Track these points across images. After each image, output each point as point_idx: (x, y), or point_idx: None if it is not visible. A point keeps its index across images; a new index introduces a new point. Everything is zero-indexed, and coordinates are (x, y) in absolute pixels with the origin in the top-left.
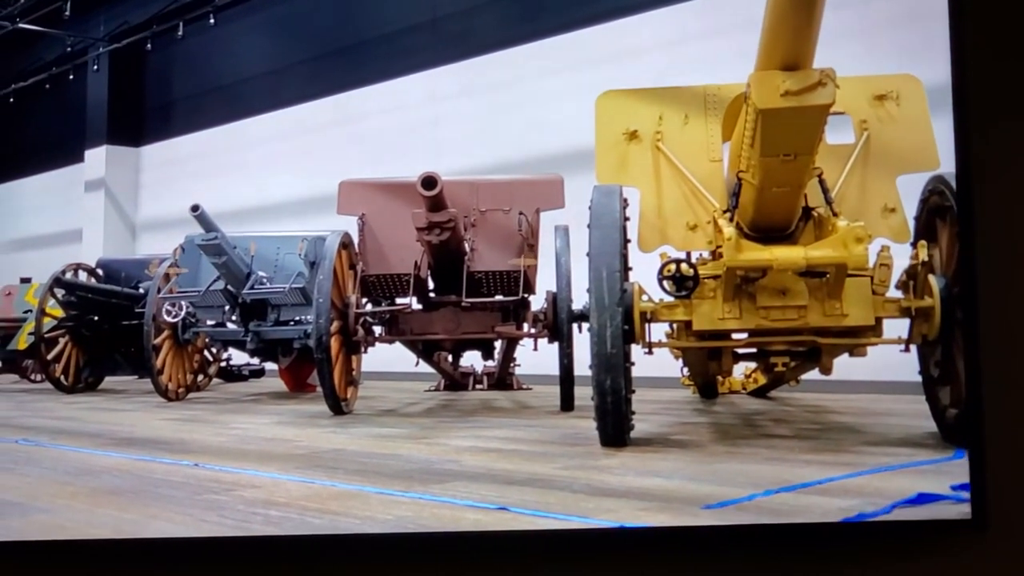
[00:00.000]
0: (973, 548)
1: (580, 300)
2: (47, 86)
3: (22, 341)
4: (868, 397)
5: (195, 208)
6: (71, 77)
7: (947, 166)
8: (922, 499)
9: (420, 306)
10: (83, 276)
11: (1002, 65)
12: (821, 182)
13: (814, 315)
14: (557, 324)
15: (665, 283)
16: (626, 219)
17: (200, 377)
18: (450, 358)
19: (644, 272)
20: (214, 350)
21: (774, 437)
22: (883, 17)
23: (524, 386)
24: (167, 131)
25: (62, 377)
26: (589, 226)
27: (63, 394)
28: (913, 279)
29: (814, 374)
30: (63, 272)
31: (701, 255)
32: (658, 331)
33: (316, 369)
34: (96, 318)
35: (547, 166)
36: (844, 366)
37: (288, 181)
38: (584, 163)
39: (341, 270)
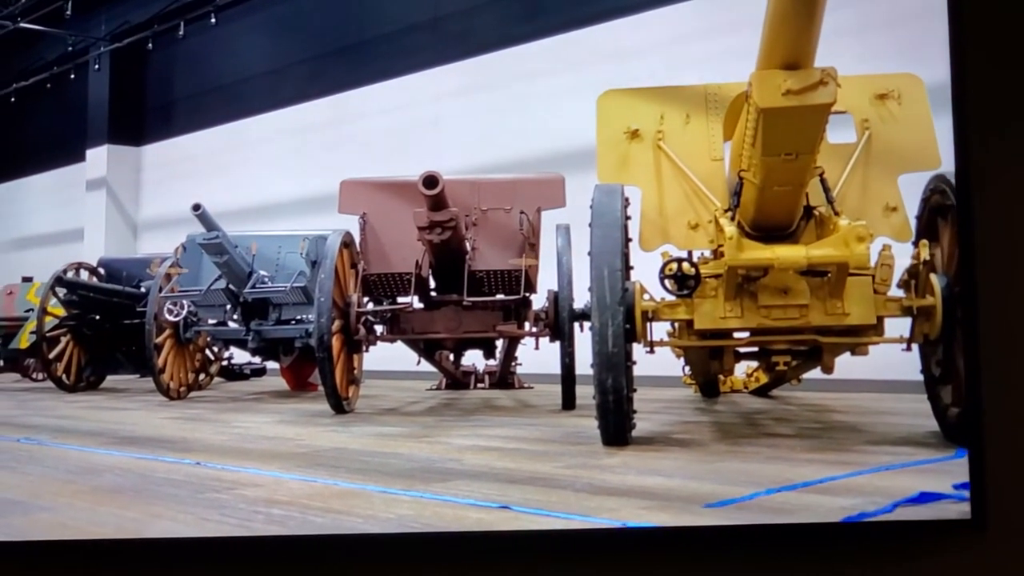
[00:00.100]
0: (973, 548)
1: (581, 299)
2: (48, 85)
3: (24, 340)
4: (870, 396)
5: (196, 207)
6: (72, 76)
7: (948, 165)
8: (924, 498)
9: (421, 305)
10: (85, 275)
11: (1001, 65)
12: (822, 181)
13: (816, 314)
14: (558, 323)
15: (666, 282)
16: (627, 218)
17: (202, 376)
18: (451, 357)
19: (645, 271)
20: (215, 349)
21: (776, 436)
22: (884, 16)
23: (525, 385)
24: (168, 130)
25: (64, 376)
26: (590, 225)
27: (65, 393)
28: (915, 278)
29: (816, 373)
30: (65, 271)
31: (702, 254)
32: (659, 330)
33: (317, 368)
34: (98, 317)
35: (548, 165)
36: (846, 365)
37: (289, 180)
38: (585, 162)
39: (342, 269)
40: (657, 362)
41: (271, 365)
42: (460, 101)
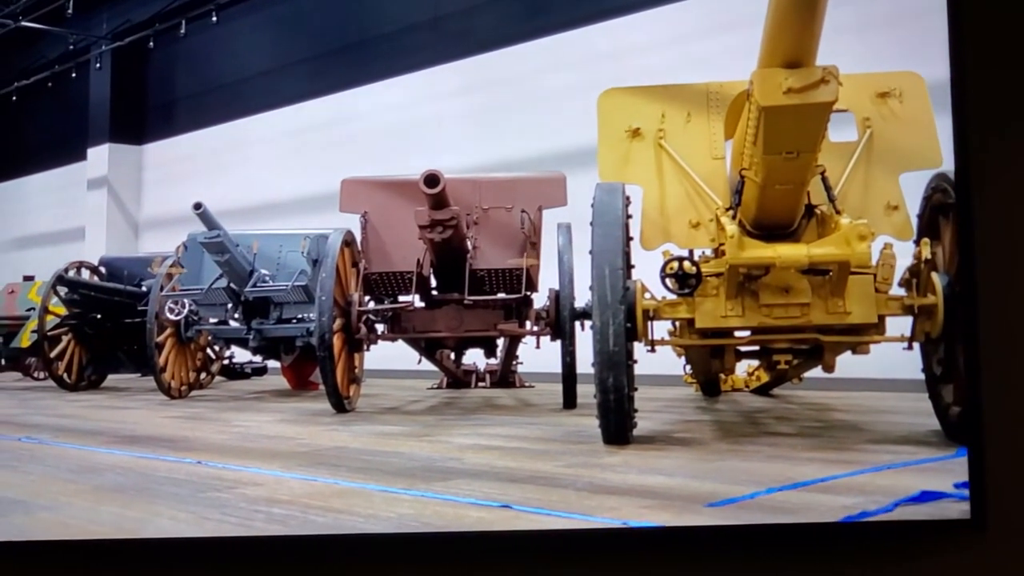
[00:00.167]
0: (972, 548)
1: (582, 298)
2: (49, 84)
3: (25, 339)
4: (871, 395)
5: (198, 206)
6: (73, 75)
7: (950, 163)
8: (925, 497)
9: (422, 304)
10: (86, 274)
11: (1001, 65)
12: (824, 180)
13: (817, 313)
14: (559, 322)
15: (668, 281)
16: (628, 217)
17: (203, 375)
18: (452, 356)
19: (647, 270)
20: (217, 348)
21: (777, 435)
22: (886, 14)
23: (526, 384)
24: (170, 129)
25: (65, 375)
26: (591, 224)
27: (66, 392)
28: (916, 277)
29: (817, 372)
30: (66, 270)
31: (704, 253)
32: (661, 329)
33: (319, 367)
34: (99, 316)
35: (549, 164)
36: (847, 364)
37: (290, 179)
38: (586, 161)
39: (344, 268)
40: (658, 361)
41: (272, 364)
42: (461, 100)
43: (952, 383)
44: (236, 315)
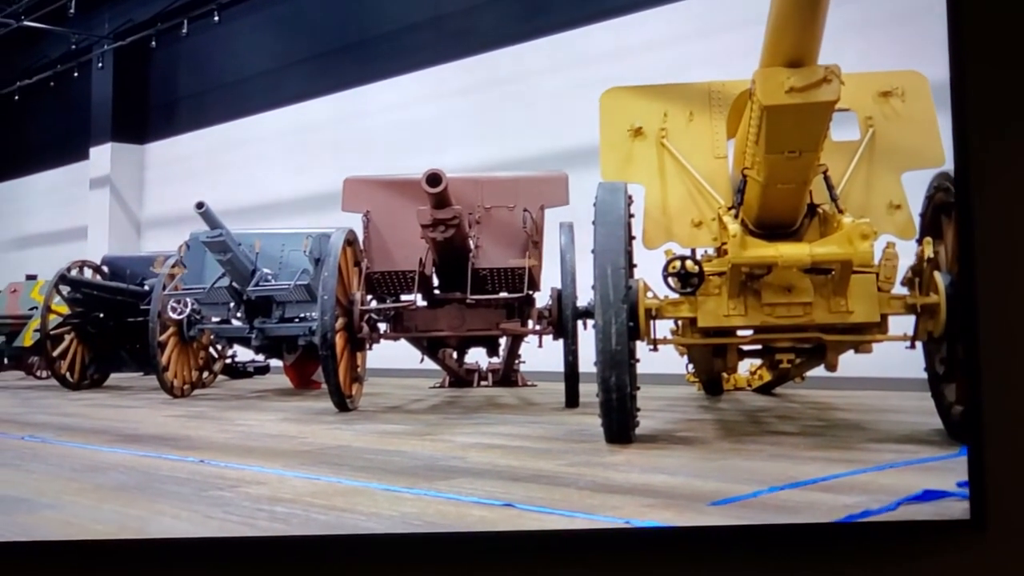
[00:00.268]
0: (972, 548)
1: (585, 297)
2: (52, 84)
3: (28, 338)
4: (873, 394)
5: (200, 205)
6: (76, 75)
7: (952, 162)
8: (928, 496)
9: (425, 303)
10: (88, 273)
11: (1001, 65)
12: (826, 179)
13: (819, 312)
14: (562, 321)
15: (670, 280)
16: (631, 216)
17: (205, 374)
18: (455, 355)
19: (649, 269)
20: (219, 347)
21: (779, 434)
22: (888, 13)
23: (529, 383)
24: (172, 128)
25: (67, 374)
26: (594, 223)
27: (68, 391)
28: (919, 276)
29: (819, 371)
30: (68, 269)
31: (706, 252)
32: (663, 328)
33: (321, 366)
34: (101, 315)
35: (551, 163)
36: (849, 363)
37: (292, 178)
38: (589, 160)
39: (346, 267)
40: (660, 360)
41: (274, 363)
42: (463, 99)
43: (955, 382)
44: (238, 314)
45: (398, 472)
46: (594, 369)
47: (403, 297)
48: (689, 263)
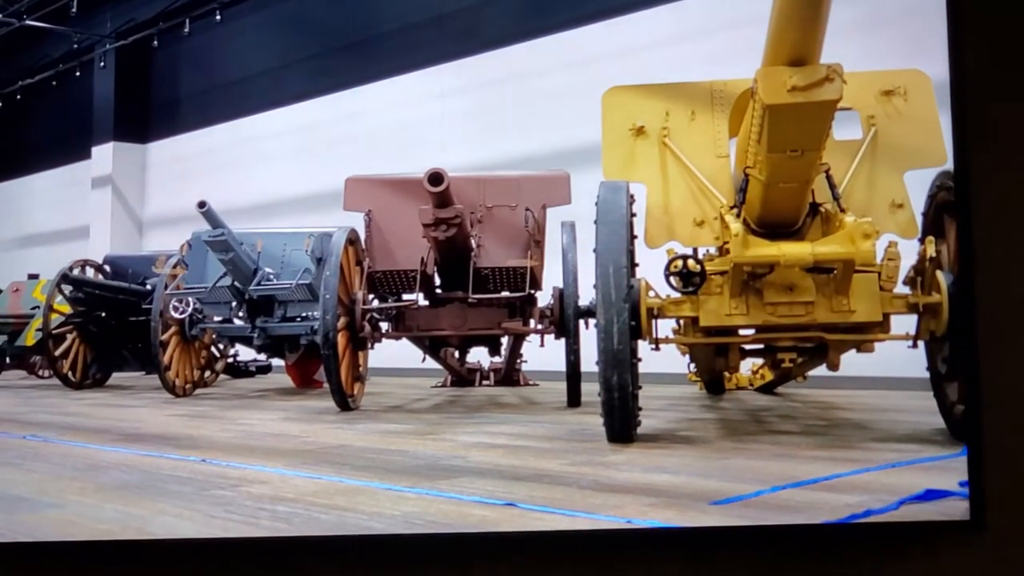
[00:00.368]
0: (972, 548)
1: (587, 296)
2: (54, 83)
3: (30, 337)
4: (875, 393)
5: (202, 204)
6: (78, 74)
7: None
8: (930, 495)
9: (427, 302)
10: (90, 272)
11: (1001, 65)
12: (828, 178)
13: (821, 311)
14: (564, 320)
15: (672, 279)
16: (633, 215)
17: (207, 373)
18: (457, 354)
19: (651, 268)
20: (221, 346)
21: (781, 433)
22: (890, 12)
23: (530, 382)
24: (173, 128)
25: (70, 373)
26: (596, 222)
27: (71, 390)
28: (921, 275)
29: (821, 370)
30: (70, 268)
31: (708, 251)
32: (665, 327)
33: (323, 365)
34: (103, 314)
35: (553, 162)
36: (851, 362)
37: (294, 177)
38: (590, 159)
39: (348, 266)
40: (662, 359)
41: (276, 362)
42: (465, 98)
43: (957, 381)
44: (240, 313)
45: (400, 471)
46: (596, 368)
47: (405, 296)
48: (691, 262)
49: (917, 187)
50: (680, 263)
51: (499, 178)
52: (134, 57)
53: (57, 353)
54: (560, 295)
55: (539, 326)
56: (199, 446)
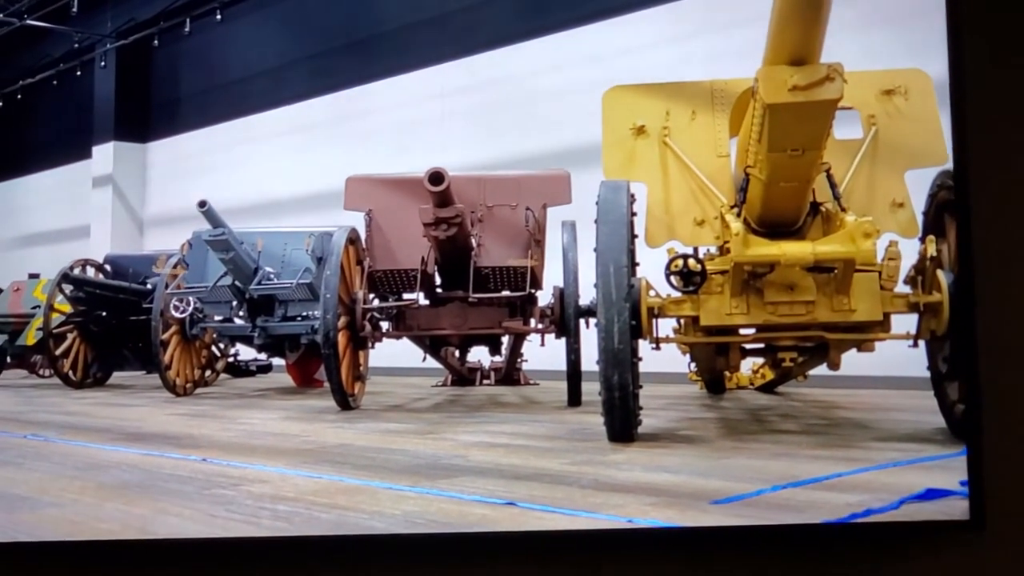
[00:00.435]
0: (971, 548)
1: (587, 295)
2: (54, 82)
3: (30, 337)
4: (876, 392)
5: (202, 204)
6: (78, 73)
7: None
8: (931, 495)
9: (427, 302)
10: (91, 272)
11: (1000, 64)
12: (829, 177)
13: (822, 310)
14: (564, 319)
15: (672, 278)
16: (633, 214)
17: (208, 372)
18: (457, 353)
19: (651, 268)
20: (221, 345)
21: (782, 432)
22: (892, 11)
23: (531, 381)
24: (174, 127)
25: (70, 372)
26: (596, 222)
27: (71, 389)
28: (921, 274)
29: (822, 369)
30: (71, 268)
31: (708, 250)
32: (665, 326)
33: (323, 365)
34: (104, 314)
35: (554, 162)
36: (852, 361)
37: (295, 177)
38: (591, 159)
39: (348, 266)
40: (663, 358)
41: (277, 362)
42: (465, 97)
43: (957, 380)
44: (241, 313)
45: (400, 471)
46: (596, 368)
47: (405, 296)
48: (691, 262)
49: (918, 186)
50: (681, 262)
51: (500, 177)
52: (135, 56)
53: (58, 352)
54: (561, 294)
55: (539, 325)
56: (200, 445)
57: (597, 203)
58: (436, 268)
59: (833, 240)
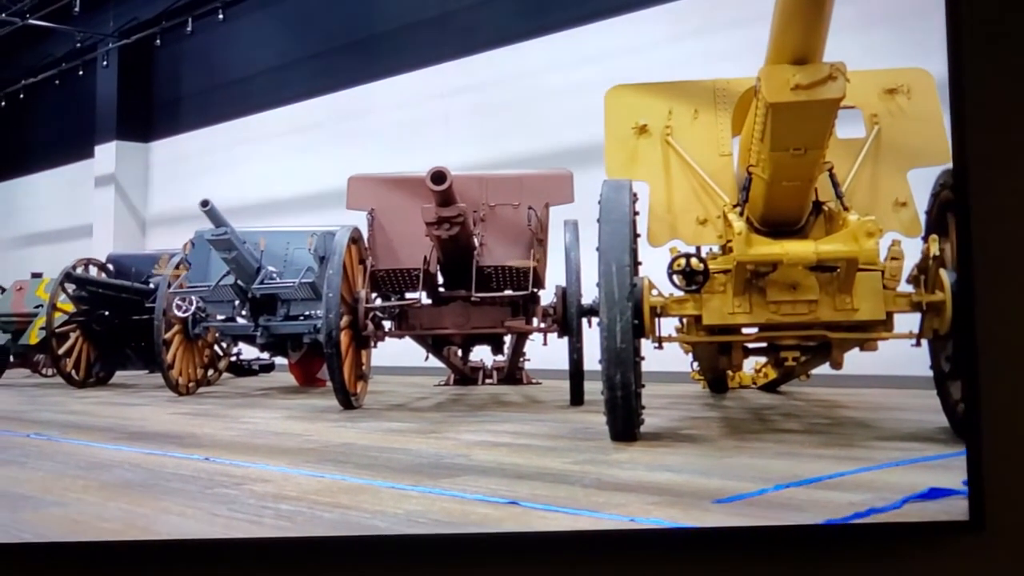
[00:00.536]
0: (971, 548)
1: (590, 295)
2: (57, 82)
3: (33, 336)
4: (879, 392)
5: (205, 203)
6: (80, 73)
7: None
8: (934, 494)
9: (430, 301)
10: (93, 271)
11: (1000, 64)
12: (831, 176)
13: (824, 309)
14: (567, 319)
15: (675, 277)
16: (636, 214)
17: (210, 372)
18: (460, 353)
19: (654, 267)
20: (224, 345)
21: (784, 432)
22: (893, 10)
23: (533, 381)
24: (176, 127)
25: (73, 372)
26: (599, 221)
27: (74, 389)
28: (924, 273)
29: (825, 368)
30: (74, 267)
31: (711, 249)
32: (668, 326)
33: (326, 364)
34: (107, 313)
35: (556, 161)
36: (854, 361)
37: (297, 176)
38: (593, 158)
39: (351, 265)
40: (665, 358)
41: (279, 361)
42: (467, 97)
43: (960, 379)
44: (243, 312)
45: (403, 470)
46: (599, 367)
47: (408, 295)
48: (694, 261)
49: (921, 185)
50: (683, 261)
51: (502, 177)
52: (137, 56)
53: (60, 351)
54: (563, 294)
55: (542, 324)
56: (202, 444)
57: (599, 202)
58: (438, 267)
59: (836, 239)
